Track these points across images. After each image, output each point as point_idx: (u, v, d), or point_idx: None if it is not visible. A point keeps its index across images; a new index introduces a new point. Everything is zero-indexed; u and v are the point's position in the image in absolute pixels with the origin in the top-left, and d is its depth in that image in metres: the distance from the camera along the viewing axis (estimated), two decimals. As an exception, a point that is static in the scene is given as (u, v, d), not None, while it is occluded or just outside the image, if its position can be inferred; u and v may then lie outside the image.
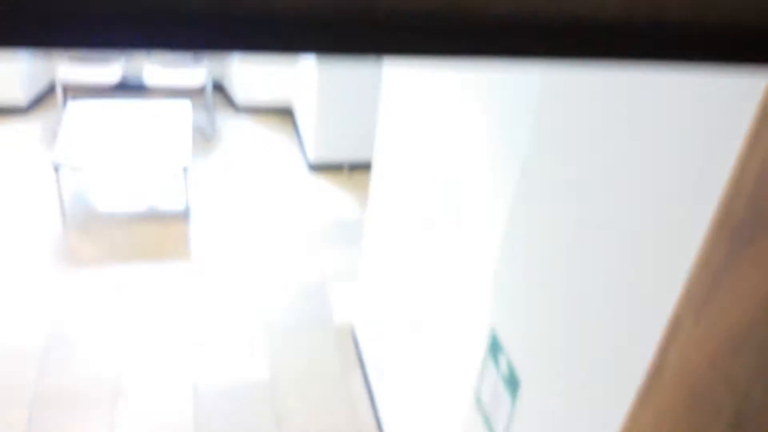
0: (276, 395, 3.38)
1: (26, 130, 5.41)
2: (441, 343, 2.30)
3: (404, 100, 2.71)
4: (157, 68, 5.55)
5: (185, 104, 5.04)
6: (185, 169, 4.45)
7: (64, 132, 4.57)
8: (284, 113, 6.11)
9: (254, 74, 5.86)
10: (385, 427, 3.15)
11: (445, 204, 2.21)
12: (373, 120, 5.25)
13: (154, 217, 4.60)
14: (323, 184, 5.21)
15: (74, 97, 5.24)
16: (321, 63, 4.92)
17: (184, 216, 4.62)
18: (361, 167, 5.40)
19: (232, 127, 5.82)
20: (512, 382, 1.63)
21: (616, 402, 1.25)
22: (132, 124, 4.76)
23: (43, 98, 5.87)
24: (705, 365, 0.99)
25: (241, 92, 5.93)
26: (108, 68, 5.48)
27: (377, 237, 3.24)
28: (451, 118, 2.13)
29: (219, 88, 6.34)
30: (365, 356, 3.51)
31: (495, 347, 1.73)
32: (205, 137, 5.61)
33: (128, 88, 5.98)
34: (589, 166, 1.31)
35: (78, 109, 4.84)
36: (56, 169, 4.29)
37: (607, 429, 1.28)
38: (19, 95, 5.50)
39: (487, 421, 1.79)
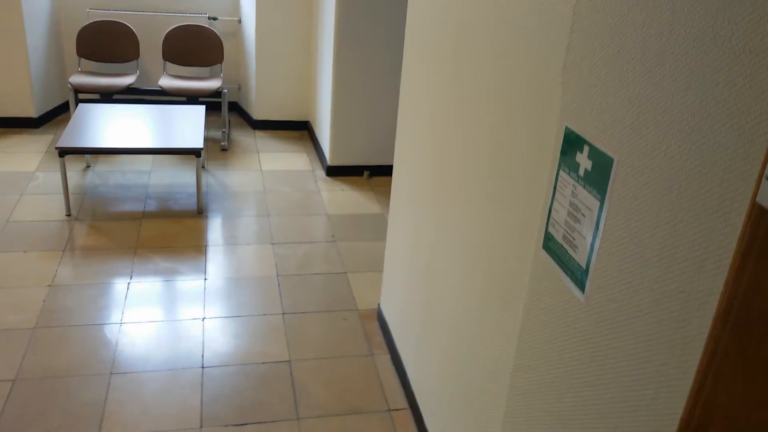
0: (296, 374, 2.97)
1: (37, 140, 5.23)
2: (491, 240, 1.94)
3: (424, 86, 2.47)
4: (173, 80, 5.41)
5: (199, 107, 4.86)
6: (199, 156, 4.19)
7: (72, 124, 4.36)
8: (301, 128, 5.92)
9: (270, 90, 5.71)
10: (419, 398, 2.72)
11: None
12: (391, 124, 5.05)
13: (166, 214, 4.30)
14: (342, 186, 4.93)
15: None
16: (337, 71, 4.74)
17: (197, 213, 4.33)
18: (381, 173, 5.13)
19: (249, 140, 5.62)
20: (601, 170, 1.28)
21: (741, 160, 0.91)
22: (144, 119, 4.56)
23: (56, 113, 5.73)
24: None
25: (257, 109, 5.76)
26: (122, 78, 5.35)
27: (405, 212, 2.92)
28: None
29: (235, 107, 6.20)
30: (395, 336, 3.10)
31: (571, 144, 1.39)
32: (220, 147, 5.39)
33: (142, 94, 5.83)
34: None
35: (88, 108, 4.67)
36: (61, 155, 4.04)
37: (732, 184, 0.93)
38: (30, 107, 5.36)
39: (562, 258, 1.42)
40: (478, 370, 2.10)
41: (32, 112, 5.39)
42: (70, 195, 4.35)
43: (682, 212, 1.07)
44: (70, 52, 5.71)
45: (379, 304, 3.42)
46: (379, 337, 3.27)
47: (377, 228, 4.33)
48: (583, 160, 1.35)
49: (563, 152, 1.43)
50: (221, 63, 5.64)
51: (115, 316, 3.27)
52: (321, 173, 5.10)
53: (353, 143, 5.01)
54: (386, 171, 5.08)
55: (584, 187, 1.35)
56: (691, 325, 1.06)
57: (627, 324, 1.21)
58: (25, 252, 3.75)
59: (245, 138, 5.66)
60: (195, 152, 4.17)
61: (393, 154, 4.97)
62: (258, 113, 5.79)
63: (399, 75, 4.86)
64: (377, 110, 4.95)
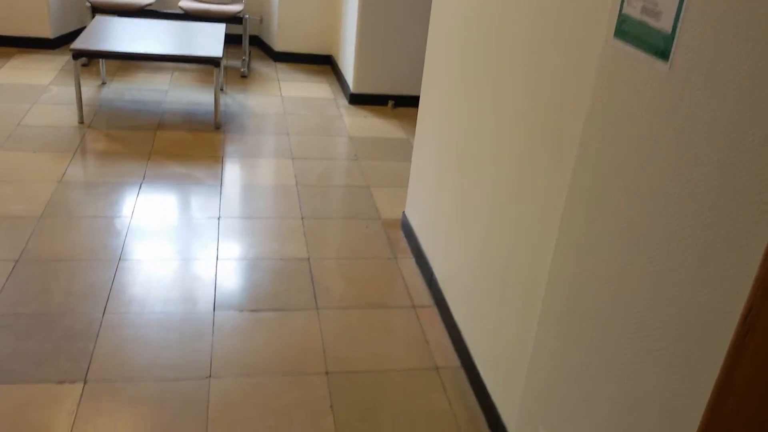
0: (315, 271, 2.78)
1: (53, 59, 5.07)
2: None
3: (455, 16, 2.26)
4: (193, 2, 5.23)
5: (219, 24, 4.67)
6: (218, 66, 4.01)
7: (88, 30, 4.19)
8: (324, 62, 5.72)
9: (293, 21, 5.51)
10: (447, 294, 2.53)
11: None
12: (418, 53, 4.83)
13: (182, 127, 4.12)
14: (366, 113, 4.73)
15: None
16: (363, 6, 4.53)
17: (215, 128, 4.15)
18: (406, 103, 4.92)
19: (269, 70, 5.43)
20: None
21: None
22: (162, 31, 4.38)
23: (73, 37, 5.56)
24: None
25: (279, 40, 5.56)
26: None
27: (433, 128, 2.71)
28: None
29: (256, 41, 6.01)
30: (420, 239, 2.91)
31: None
32: (240, 74, 5.21)
33: (160, 17, 5.63)
34: None
35: (105, 20, 4.49)
36: (75, 57, 3.87)
37: None
38: (47, 27, 5.20)
39: (641, 35, 1.22)
40: (519, 234, 1.91)
41: (48, 33, 5.22)
42: (84, 106, 4.19)
43: None
44: (89, -26, 5.54)
45: (403, 212, 3.22)
46: (403, 243, 3.08)
47: (402, 151, 4.13)
48: None
49: None
50: (243, -10, 5.45)
51: (125, 211, 3.11)
52: (344, 101, 4.90)
53: (378, 71, 4.80)
54: (412, 102, 4.88)
55: (674, -63, 1.14)
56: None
57: (723, 82, 1.01)
58: (34, 152, 3.59)
59: (266, 68, 5.47)
60: (214, 62, 3.98)
61: (419, 85, 4.76)
62: (280, 45, 5.59)
63: (428, 2, 4.65)
64: (403, 37, 4.74)
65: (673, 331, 1.13)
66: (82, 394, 2.03)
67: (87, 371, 2.12)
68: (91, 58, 4.46)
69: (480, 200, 2.21)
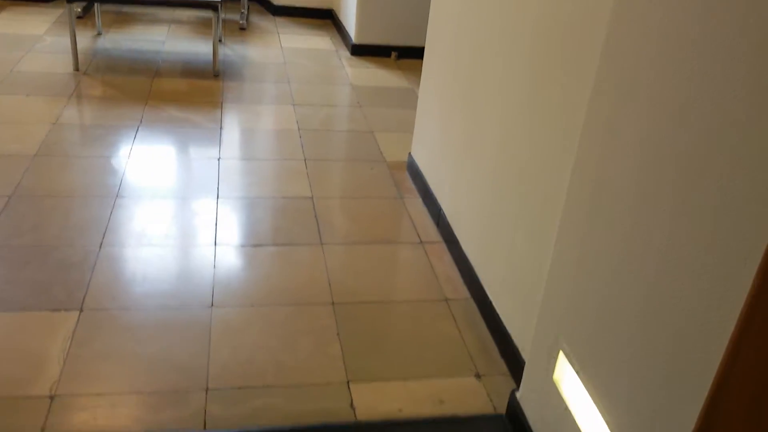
0: (318, 209, 2.69)
1: (47, 12, 4.94)
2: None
3: None
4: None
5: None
6: (216, 10, 3.88)
7: (82, -24, 4.06)
8: (324, 17, 5.58)
9: (294, -27, 5.37)
10: (456, 229, 2.44)
11: None
12: (421, 3, 4.70)
13: (179, 74, 4.01)
14: (368, 64, 4.61)
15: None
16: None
17: (213, 76, 4.03)
18: (409, 55, 4.79)
19: (268, 24, 5.30)
20: None
21: None
22: (158, -21, 4.24)
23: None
24: None
25: (279, -8, 5.43)
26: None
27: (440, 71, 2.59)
28: None
29: (255, -4, 5.87)
30: (427, 178, 2.81)
31: None
32: (239, 26, 5.08)
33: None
34: None
35: (100, -33, 4.36)
36: (69, 1, 3.75)
37: None
38: (40, -22, 5.06)
39: None
40: (532, 159, 1.81)
41: (42, -15, 5.09)
42: (79, 55, 4.07)
43: None
44: (83, -75, 5.38)
45: (409, 153, 3.13)
46: (409, 184, 2.99)
47: (406, 99, 4.01)
48: None
49: None
50: (242, -60, 5.30)
51: (122, 151, 3.01)
52: (345, 53, 4.77)
53: (381, 22, 4.67)
54: (415, 53, 4.75)
55: None
56: None
57: None
58: (27, 95, 3.48)
59: (264, 22, 5.33)
60: (212, 6, 3.86)
61: (423, 35, 4.63)
62: (279, 1, 5.45)
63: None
64: (408, -14, 4.61)
65: (705, 236, 1.04)
66: (78, 321, 1.95)
67: (83, 300, 2.04)
68: (85, 0, 4.31)
69: (491, 126, 2.12)
